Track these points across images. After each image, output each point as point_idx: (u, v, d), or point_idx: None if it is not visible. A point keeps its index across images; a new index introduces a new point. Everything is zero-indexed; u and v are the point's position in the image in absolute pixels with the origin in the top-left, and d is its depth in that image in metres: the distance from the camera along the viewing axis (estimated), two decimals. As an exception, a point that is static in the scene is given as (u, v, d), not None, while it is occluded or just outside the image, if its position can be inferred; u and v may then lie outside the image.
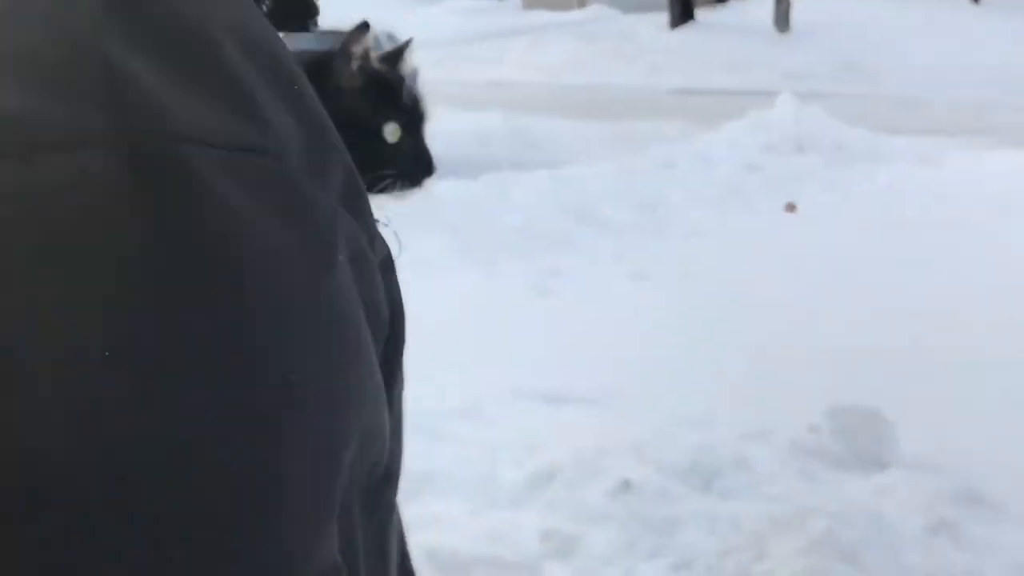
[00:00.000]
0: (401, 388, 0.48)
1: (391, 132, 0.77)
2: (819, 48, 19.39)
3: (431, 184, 0.84)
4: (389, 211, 0.61)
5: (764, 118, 10.08)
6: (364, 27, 0.77)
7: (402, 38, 0.84)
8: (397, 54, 0.82)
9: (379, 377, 0.41)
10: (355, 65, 0.77)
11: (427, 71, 10.39)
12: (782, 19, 21.40)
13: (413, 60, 0.77)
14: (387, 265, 0.45)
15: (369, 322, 0.40)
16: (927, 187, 8.27)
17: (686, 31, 21.66)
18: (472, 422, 3.35)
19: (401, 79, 0.81)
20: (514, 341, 4.18)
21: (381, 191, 0.77)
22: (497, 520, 2.73)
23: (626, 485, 2.87)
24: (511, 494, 2.93)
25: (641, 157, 8.62)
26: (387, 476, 0.45)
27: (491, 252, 5.66)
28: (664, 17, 22.80)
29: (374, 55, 0.78)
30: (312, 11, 0.58)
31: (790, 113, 10.26)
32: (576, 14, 27.48)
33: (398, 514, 0.51)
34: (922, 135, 10.90)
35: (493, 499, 2.87)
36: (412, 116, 0.80)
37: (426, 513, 2.61)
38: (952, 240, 6.40)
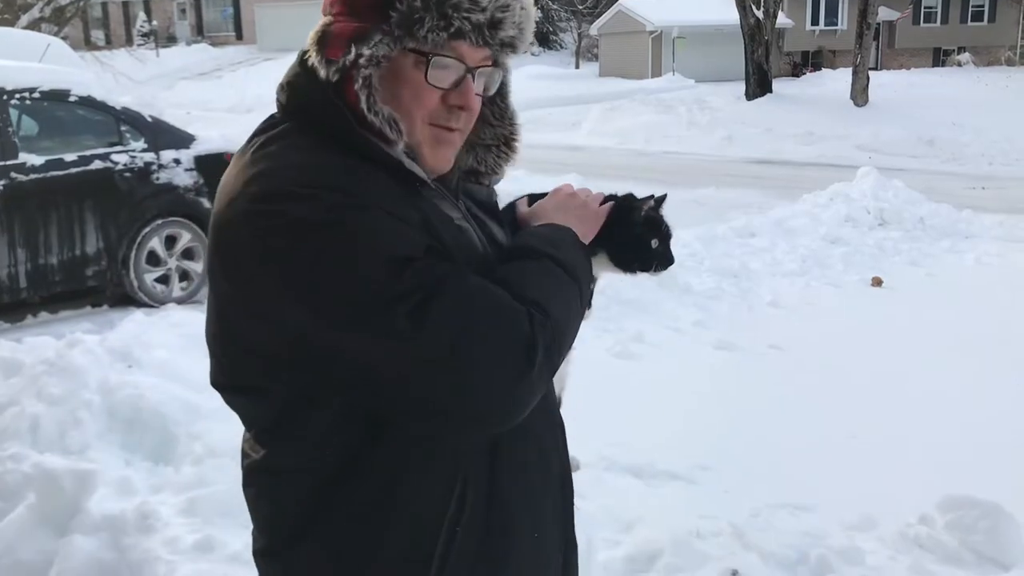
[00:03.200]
0: None
1: (654, 243, 1.44)
2: (897, 122, 19.13)
3: (673, 270, 1.53)
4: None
5: (844, 190, 9.88)
6: (651, 198, 1.46)
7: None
8: (661, 202, 1.47)
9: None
10: (642, 212, 1.44)
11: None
12: (860, 93, 21.16)
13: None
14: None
15: None
16: (1017, 266, 7.96)
17: (763, 102, 21.59)
18: (562, 494, 3.18)
19: (661, 217, 1.45)
20: (599, 408, 4.01)
21: (649, 272, 1.45)
22: (595, 604, 2.55)
23: (733, 575, 2.67)
24: (609, 575, 2.75)
25: (720, 225, 8.47)
26: None
27: (573, 315, 5.51)
28: (740, 88, 22.81)
29: (649, 205, 1.45)
30: None
31: (871, 186, 10.05)
32: (651, 83, 27.67)
33: None
34: (1007, 213, 10.59)
35: (590, 581, 2.69)
36: (665, 235, 1.44)
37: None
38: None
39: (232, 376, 1.21)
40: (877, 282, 7.29)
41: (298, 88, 1.23)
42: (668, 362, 5.12)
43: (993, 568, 3.07)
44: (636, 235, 1.39)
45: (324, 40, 1.19)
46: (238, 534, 2.97)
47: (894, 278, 7.39)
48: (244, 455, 1.27)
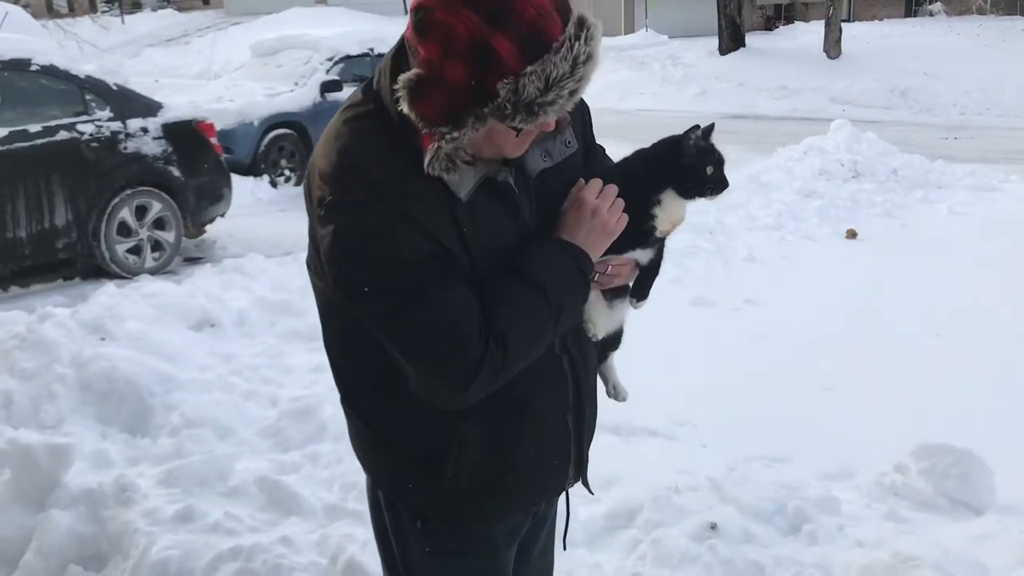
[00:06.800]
0: None
1: (709, 170, 1.56)
2: (870, 74, 19.09)
3: (727, 193, 1.62)
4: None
5: (818, 143, 9.88)
6: (697, 128, 1.58)
7: None
8: (709, 132, 1.58)
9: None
10: (691, 143, 1.56)
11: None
12: (833, 45, 21.07)
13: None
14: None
15: None
16: (988, 215, 8.03)
17: (736, 57, 21.46)
18: (541, 454, 3.19)
19: (711, 145, 1.57)
20: (577, 368, 4.02)
21: (707, 196, 1.57)
22: (576, 562, 2.56)
23: (711, 528, 2.69)
24: (589, 532, 2.77)
25: (694, 181, 8.45)
26: None
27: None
28: (714, 43, 22.66)
29: (696, 135, 1.57)
30: None
31: (844, 139, 10.05)
32: (624, 39, 27.38)
33: None
34: (979, 162, 10.64)
35: (569, 537, 2.70)
36: (718, 162, 1.57)
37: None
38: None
39: (323, 294, 1.50)
40: (852, 234, 7.33)
41: (384, 91, 1.39)
42: (645, 319, 5.10)
43: (966, 512, 3.12)
44: (691, 165, 1.54)
45: (418, 91, 1.28)
46: (217, 504, 2.97)
47: (868, 230, 7.43)
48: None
